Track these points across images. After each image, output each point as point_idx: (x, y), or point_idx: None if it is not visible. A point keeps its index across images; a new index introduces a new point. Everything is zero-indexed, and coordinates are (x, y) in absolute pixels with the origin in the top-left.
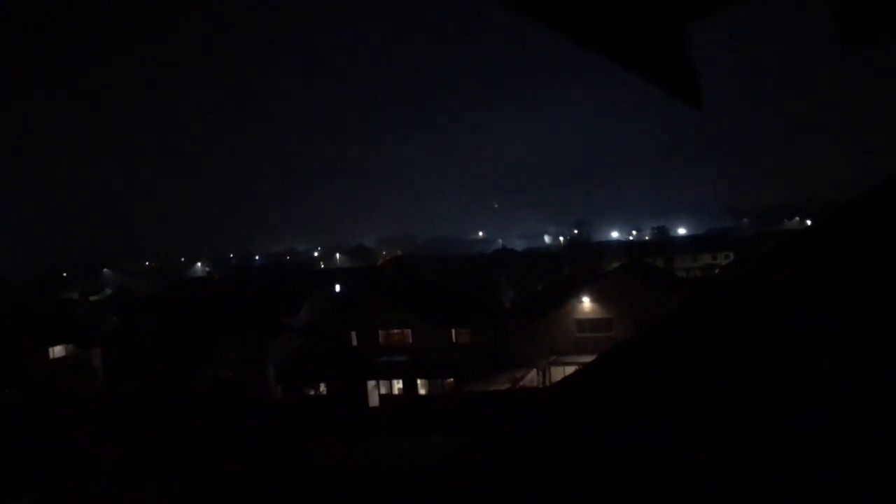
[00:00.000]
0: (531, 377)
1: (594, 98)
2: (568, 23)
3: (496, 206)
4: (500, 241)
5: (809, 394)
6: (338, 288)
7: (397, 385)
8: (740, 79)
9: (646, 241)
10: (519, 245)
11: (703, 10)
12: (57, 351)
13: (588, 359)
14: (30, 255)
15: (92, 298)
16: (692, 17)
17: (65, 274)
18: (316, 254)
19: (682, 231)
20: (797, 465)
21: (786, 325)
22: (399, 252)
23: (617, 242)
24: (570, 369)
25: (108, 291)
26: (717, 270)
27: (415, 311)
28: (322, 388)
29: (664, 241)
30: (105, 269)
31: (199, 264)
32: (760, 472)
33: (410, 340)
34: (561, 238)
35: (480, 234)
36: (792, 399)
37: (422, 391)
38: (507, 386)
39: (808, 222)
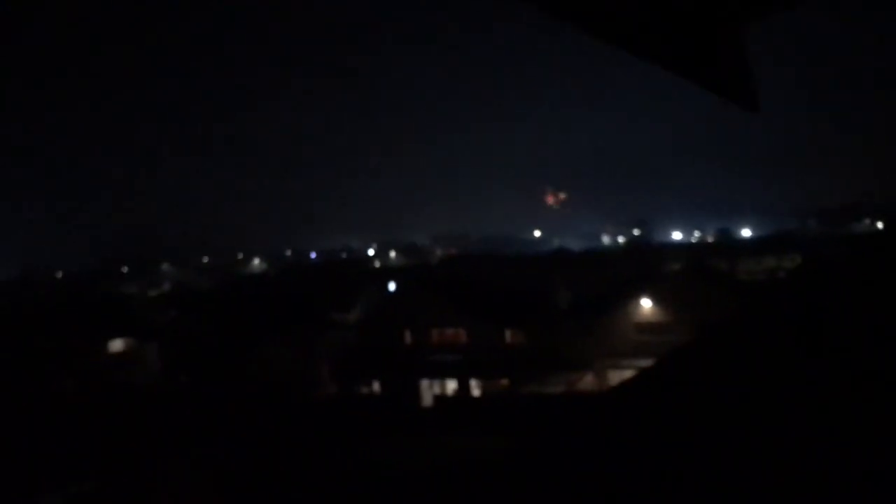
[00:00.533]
0: (587, 380)
1: (655, 95)
2: (622, 33)
3: (561, 196)
4: (556, 240)
5: (873, 397)
6: (392, 286)
7: (451, 384)
8: (807, 77)
9: (708, 243)
10: (576, 245)
11: (761, 12)
12: (116, 344)
13: (646, 362)
14: (90, 249)
15: (151, 293)
16: (750, 19)
17: (125, 269)
18: (371, 251)
19: (746, 233)
20: (862, 468)
21: (851, 330)
22: (453, 250)
23: (678, 243)
24: (627, 373)
25: (167, 286)
26: (781, 273)
27: (469, 310)
28: (375, 385)
29: (727, 243)
30: (164, 265)
31: (255, 260)
32: (829, 475)
33: (464, 340)
34: (620, 238)
35: (537, 233)
36: (855, 403)
37: (476, 391)
38: (562, 388)
39: (879, 225)
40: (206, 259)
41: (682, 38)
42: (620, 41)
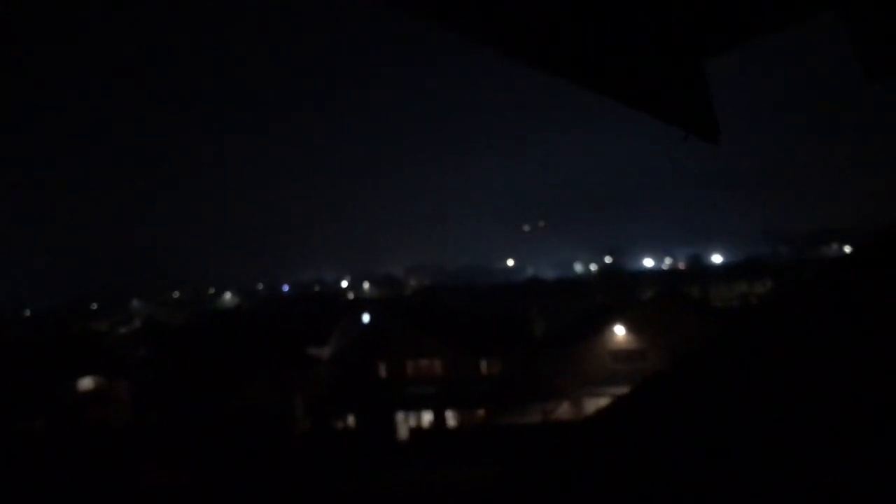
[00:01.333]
0: (564, 409)
1: (625, 123)
2: (582, 71)
3: (535, 226)
4: (530, 269)
5: (851, 428)
6: (366, 318)
7: (427, 416)
8: (775, 102)
9: (680, 270)
10: (550, 274)
11: (719, 47)
12: (85, 382)
13: (622, 390)
14: (58, 284)
15: (121, 330)
16: (708, 54)
17: (94, 305)
18: (344, 283)
19: (717, 258)
20: (837, 496)
21: (825, 355)
22: (427, 281)
23: (650, 271)
24: (603, 401)
25: (138, 322)
26: (753, 299)
27: (444, 341)
28: (350, 420)
29: (699, 270)
30: (133, 300)
31: (227, 294)
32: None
33: (440, 371)
34: (592, 266)
35: (510, 262)
36: (833, 434)
37: (452, 423)
38: (539, 418)
39: (847, 249)
40: (176, 294)
41: (641, 73)
42: (580, 79)
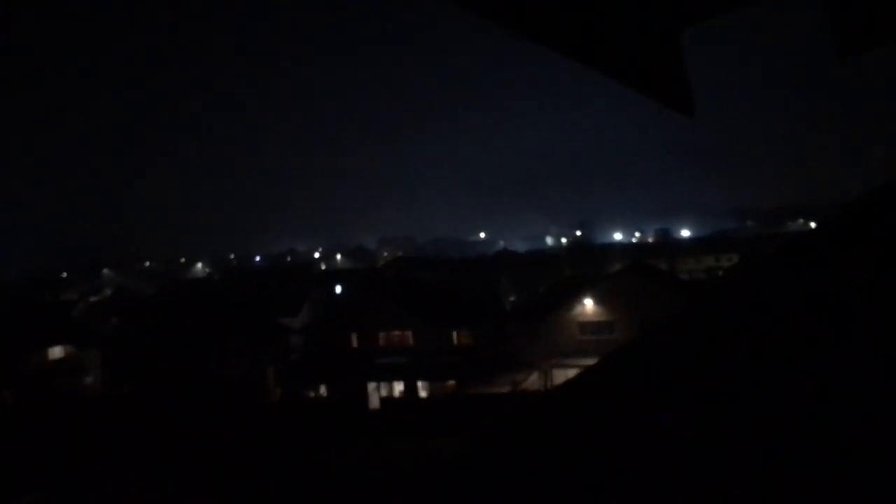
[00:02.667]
0: (533, 380)
1: (597, 98)
2: (560, 37)
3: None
4: (501, 242)
5: (809, 394)
6: (338, 289)
7: (398, 387)
8: (743, 78)
9: (648, 243)
10: (520, 247)
11: (697, 17)
12: (55, 352)
13: (590, 361)
14: (28, 254)
15: (91, 299)
16: (686, 24)
17: (64, 274)
18: (317, 255)
19: (685, 233)
20: (796, 463)
21: (787, 327)
22: (400, 253)
23: (619, 244)
24: (572, 372)
25: (108, 292)
26: (720, 272)
27: (415, 312)
28: (322, 389)
29: (667, 243)
30: (105, 270)
31: (199, 265)
32: (761, 471)
33: (411, 342)
34: (563, 240)
35: (482, 235)
36: (792, 400)
37: (423, 393)
38: (508, 388)
39: (812, 224)
40: (147, 264)
41: (617, 43)
42: (557, 45)
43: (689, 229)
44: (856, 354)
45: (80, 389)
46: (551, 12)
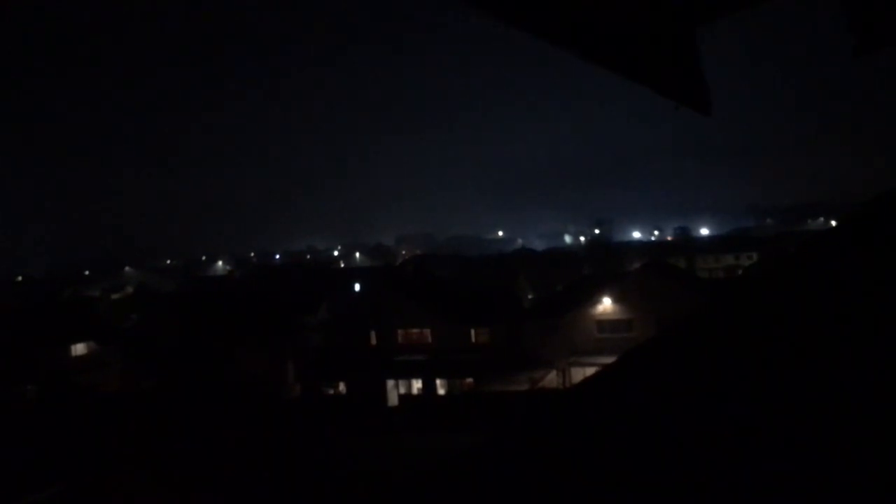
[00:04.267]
0: (550, 378)
1: (615, 96)
2: (577, 40)
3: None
4: (519, 240)
5: (830, 393)
6: (357, 287)
7: (416, 384)
8: (764, 76)
9: (667, 242)
10: (538, 244)
11: (711, 15)
12: (78, 348)
13: (608, 360)
14: (52, 251)
15: (113, 296)
16: (702, 21)
17: (87, 272)
18: (336, 252)
19: (704, 231)
20: (818, 462)
21: (808, 326)
22: (418, 251)
23: (638, 242)
24: (590, 370)
25: (130, 289)
26: (739, 271)
27: (433, 310)
28: (341, 386)
29: (686, 242)
30: (126, 267)
31: (219, 262)
32: (783, 470)
33: (429, 340)
34: (581, 238)
35: (500, 233)
36: (813, 398)
37: (441, 391)
38: (526, 386)
39: (833, 222)
40: (168, 261)
41: (635, 43)
42: (575, 47)
43: (709, 227)
44: (881, 355)
45: (102, 385)
46: (568, 15)
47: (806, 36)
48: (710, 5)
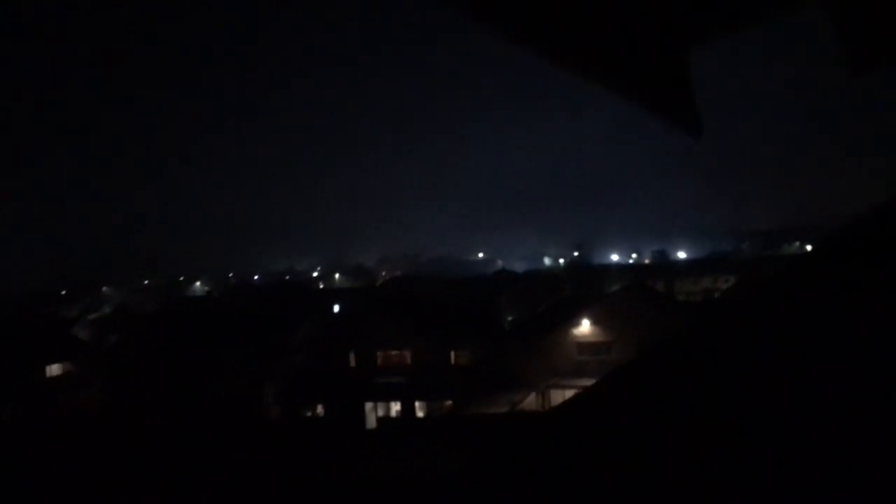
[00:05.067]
0: (530, 400)
1: (596, 118)
2: (567, 53)
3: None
4: (499, 262)
5: (810, 420)
6: (337, 308)
7: (395, 406)
8: (742, 101)
9: (646, 264)
10: (519, 266)
11: (705, 37)
12: (55, 369)
13: (588, 382)
14: (29, 271)
15: (91, 316)
16: (693, 44)
17: (63, 291)
18: (315, 273)
19: (682, 254)
20: (800, 486)
21: (786, 350)
22: (399, 272)
23: (617, 265)
24: (569, 392)
25: (108, 309)
26: (717, 294)
27: (413, 331)
28: (320, 409)
29: (664, 265)
30: (104, 287)
31: (198, 283)
32: (766, 493)
33: (409, 361)
34: (561, 260)
35: (480, 254)
36: (794, 426)
37: (420, 413)
38: (506, 408)
39: (808, 247)
40: (146, 281)
41: (627, 61)
42: (565, 62)
43: (686, 251)
44: (857, 377)
45: (79, 406)
46: (560, 28)
47: (785, 62)
48: (703, 28)
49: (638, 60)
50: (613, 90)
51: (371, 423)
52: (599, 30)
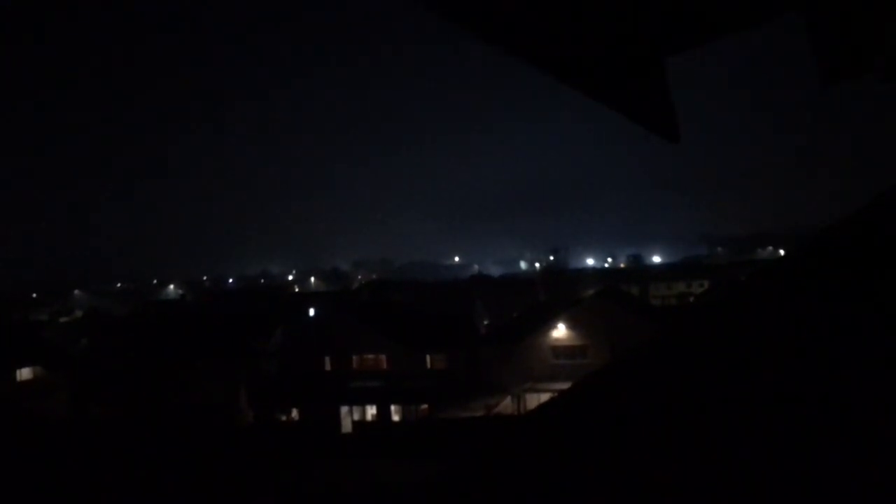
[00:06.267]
0: (506, 404)
1: (571, 124)
2: (547, 58)
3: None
4: (476, 266)
5: (786, 423)
6: (312, 312)
7: (371, 411)
8: (716, 108)
9: (621, 269)
10: (494, 271)
11: (683, 45)
12: (24, 373)
13: (563, 386)
14: None
15: (62, 320)
16: (671, 51)
17: (34, 294)
18: (290, 277)
19: (657, 259)
20: (779, 486)
21: (758, 353)
22: (374, 276)
23: (592, 269)
24: (545, 396)
25: (79, 313)
26: (691, 298)
27: (389, 336)
28: (294, 413)
29: (639, 269)
30: (76, 291)
31: (171, 286)
32: (744, 494)
33: (385, 366)
34: (537, 264)
35: (456, 259)
36: (769, 430)
37: (395, 417)
38: (481, 413)
39: (781, 252)
40: (119, 285)
41: (607, 68)
42: (546, 66)
43: (661, 255)
44: (827, 379)
45: (48, 412)
46: (539, 32)
47: (758, 69)
48: (681, 35)
49: (617, 67)
50: (592, 96)
51: (347, 427)
52: (578, 36)
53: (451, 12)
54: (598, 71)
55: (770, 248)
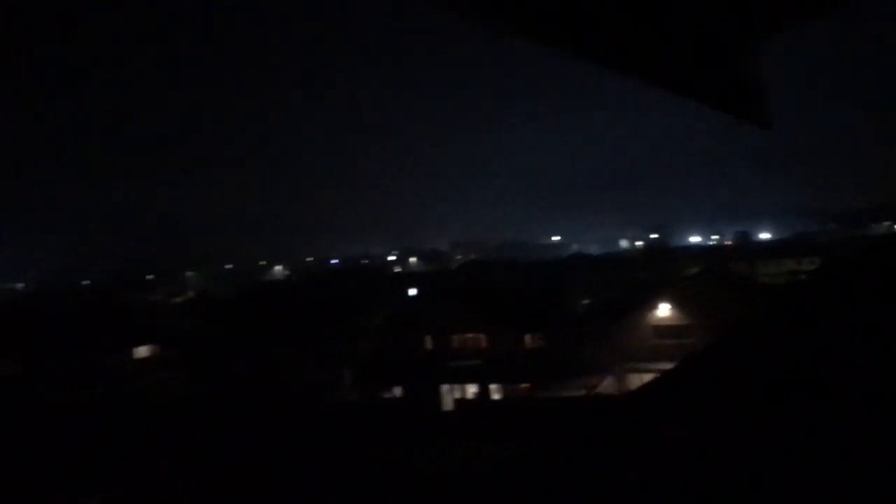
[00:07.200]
0: (607, 384)
1: (671, 99)
2: (630, 62)
3: None
4: (574, 245)
5: (888, 398)
6: (412, 292)
7: (471, 389)
8: (827, 79)
9: (726, 246)
10: (594, 250)
11: (775, 27)
12: (141, 351)
13: (665, 366)
14: (115, 255)
15: (175, 301)
16: (763, 34)
17: (149, 276)
18: (391, 257)
19: (765, 236)
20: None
21: (868, 330)
22: (473, 256)
23: (696, 247)
24: (647, 376)
25: (191, 293)
26: (801, 276)
27: (488, 316)
28: (397, 391)
29: (746, 247)
30: (188, 272)
31: (278, 267)
32: (850, 474)
33: (484, 345)
34: (638, 243)
35: (555, 238)
36: (877, 403)
37: (496, 396)
38: (582, 392)
39: None
40: (229, 266)
41: (691, 62)
42: (629, 70)
43: (770, 232)
44: None
45: (163, 387)
46: (622, 36)
47: (867, 38)
48: (769, 20)
49: (700, 59)
50: (678, 93)
51: (448, 404)
52: (659, 32)
53: (528, 32)
54: (682, 65)
55: (885, 222)
